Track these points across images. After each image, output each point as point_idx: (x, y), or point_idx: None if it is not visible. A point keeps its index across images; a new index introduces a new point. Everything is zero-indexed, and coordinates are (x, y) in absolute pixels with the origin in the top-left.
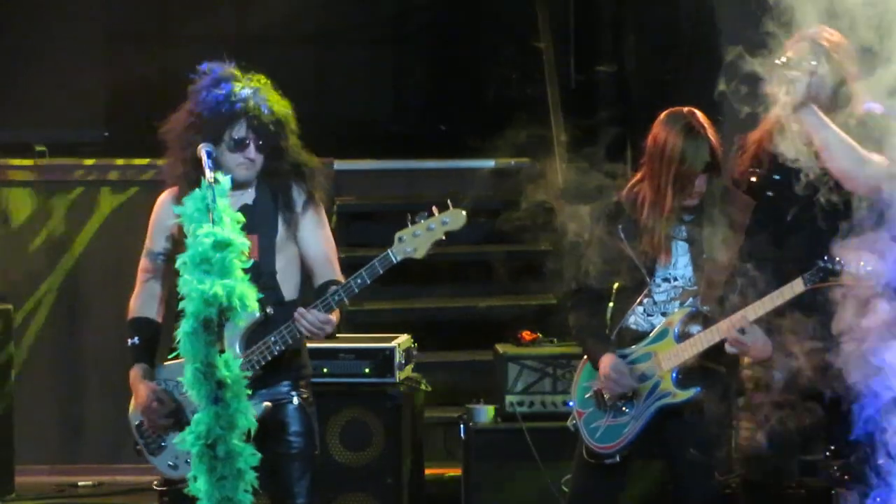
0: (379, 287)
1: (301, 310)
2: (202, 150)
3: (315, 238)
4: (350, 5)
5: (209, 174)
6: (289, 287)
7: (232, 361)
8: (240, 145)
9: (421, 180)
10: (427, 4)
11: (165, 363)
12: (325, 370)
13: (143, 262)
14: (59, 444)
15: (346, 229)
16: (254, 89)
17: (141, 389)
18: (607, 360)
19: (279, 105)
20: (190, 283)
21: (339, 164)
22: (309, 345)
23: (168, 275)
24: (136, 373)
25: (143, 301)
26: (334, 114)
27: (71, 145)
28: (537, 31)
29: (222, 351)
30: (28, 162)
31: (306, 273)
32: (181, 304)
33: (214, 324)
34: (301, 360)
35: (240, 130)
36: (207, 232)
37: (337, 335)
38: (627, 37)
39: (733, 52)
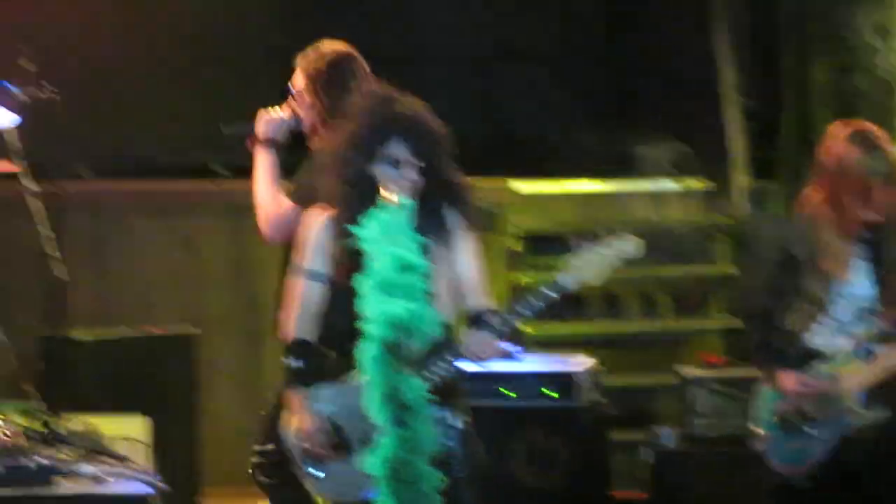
0: (564, 309)
1: (469, 334)
2: (386, 173)
3: (468, 262)
4: (520, 23)
5: (393, 197)
6: (447, 310)
7: (416, 384)
8: (393, 160)
9: (599, 203)
10: (600, 24)
11: (322, 387)
12: (506, 392)
13: (299, 281)
14: (243, 468)
15: (524, 251)
16: (411, 107)
17: (305, 415)
18: (792, 377)
19: (435, 124)
20: (373, 306)
21: (517, 186)
22: (494, 368)
23: (323, 295)
24: (297, 397)
25: (301, 322)
26: (510, 135)
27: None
28: (713, 52)
29: (406, 374)
30: (211, 186)
31: (457, 296)
32: (364, 327)
33: (398, 347)
34: (460, 382)
35: (396, 147)
36: (391, 254)
37: (521, 358)
38: (810, 56)
39: None
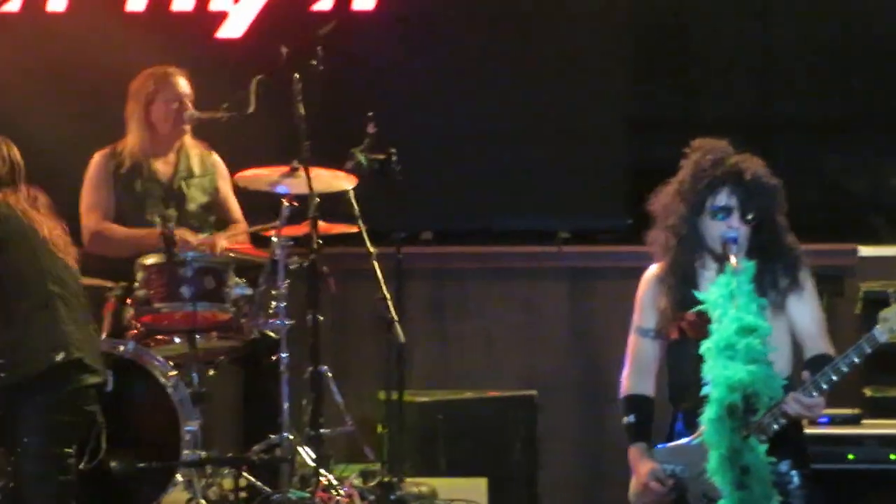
0: None
1: (792, 394)
2: (727, 236)
3: (801, 314)
4: (862, 93)
5: (733, 260)
6: (781, 364)
7: (757, 447)
8: (722, 213)
9: None
10: None
11: (662, 446)
12: (849, 456)
13: (633, 339)
14: None
15: (871, 315)
16: (743, 162)
17: (641, 468)
18: None
19: (769, 180)
20: (714, 369)
21: (864, 251)
22: (834, 431)
23: (659, 351)
24: (634, 452)
25: (635, 378)
26: (857, 200)
27: (593, 232)
28: None
29: (747, 437)
30: (551, 249)
31: (797, 346)
32: (704, 390)
33: (739, 410)
34: (801, 436)
35: (722, 198)
36: (732, 317)
37: (861, 421)
38: None
39: None
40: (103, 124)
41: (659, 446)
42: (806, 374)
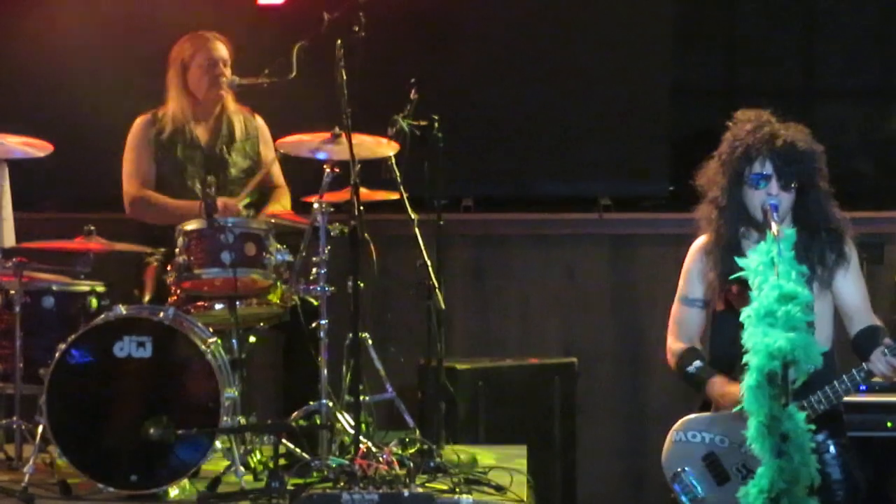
0: None
1: (878, 351)
2: (767, 203)
3: (848, 288)
4: None
5: (774, 227)
6: (822, 337)
7: (796, 415)
8: (763, 181)
9: None
10: None
11: (694, 416)
12: (888, 424)
13: (677, 307)
14: (620, 500)
15: None
16: (779, 127)
17: (731, 389)
18: None
19: (806, 144)
20: (754, 337)
21: None
22: (872, 398)
23: (703, 322)
24: (717, 381)
25: (684, 340)
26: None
27: (635, 199)
28: None
29: (786, 404)
30: (592, 216)
31: (841, 321)
32: (745, 358)
33: (779, 377)
34: (838, 408)
35: (758, 166)
36: (773, 285)
37: None
38: None
39: None
40: (147, 89)
41: (696, 416)
42: (889, 340)
